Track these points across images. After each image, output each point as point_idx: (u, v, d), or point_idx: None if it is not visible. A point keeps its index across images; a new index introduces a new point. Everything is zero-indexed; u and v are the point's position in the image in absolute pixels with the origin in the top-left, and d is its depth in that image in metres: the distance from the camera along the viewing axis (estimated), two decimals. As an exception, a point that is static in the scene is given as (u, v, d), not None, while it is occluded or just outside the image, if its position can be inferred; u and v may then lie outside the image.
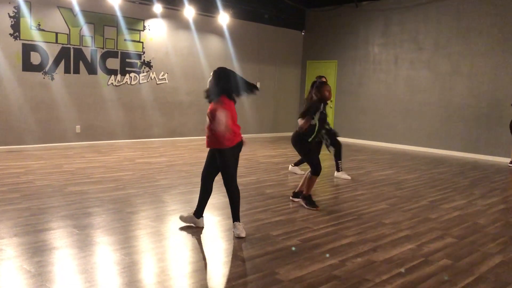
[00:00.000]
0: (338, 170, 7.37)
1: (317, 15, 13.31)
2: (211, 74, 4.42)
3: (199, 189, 5.76)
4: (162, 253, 3.82)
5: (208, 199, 4.51)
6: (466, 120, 10.54)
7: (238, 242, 4.06)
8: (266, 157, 9.11)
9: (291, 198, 5.70)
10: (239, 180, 6.71)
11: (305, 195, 5.41)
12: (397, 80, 11.73)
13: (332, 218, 4.96)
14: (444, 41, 10.82)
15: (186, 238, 4.18)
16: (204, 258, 3.75)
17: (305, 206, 5.35)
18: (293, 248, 3.95)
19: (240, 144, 4.39)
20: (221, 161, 4.26)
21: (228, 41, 11.78)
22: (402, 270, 3.58)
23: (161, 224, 4.60)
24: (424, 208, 5.57)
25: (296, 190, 5.67)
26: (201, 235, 4.31)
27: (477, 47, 10.31)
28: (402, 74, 11.65)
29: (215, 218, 4.82)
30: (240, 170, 7.53)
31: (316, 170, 5.31)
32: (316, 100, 5.45)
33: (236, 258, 3.69)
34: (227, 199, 5.54)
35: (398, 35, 11.62)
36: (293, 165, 7.57)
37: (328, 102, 5.58)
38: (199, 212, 4.47)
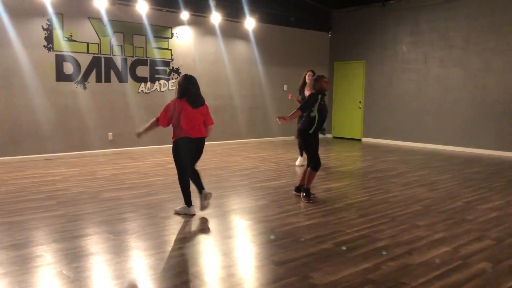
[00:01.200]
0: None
1: (343, 15, 13.21)
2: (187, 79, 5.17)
3: (229, 193, 5.79)
4: (196, 258, 3.86)
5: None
6: (500, 117, 10.24)
7: (270, 246, 4.06)
8: (295, 160, 9.07)
9: (293, 192, 6.06)
10: (269, 184, 6.74)
11: (305, 188, 5.70)
12: (427, 78, 11.51)
13: (365, 221, 4.90)
14: (476, 38, 10.56)
15: (219, 243, 4.20)
16: (237, 263, 3.76)
17: (302, 199, 5.70)
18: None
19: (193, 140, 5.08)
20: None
21: (253, 46, 11.83)
22: (437, 260, 3.54)
23: (194, 228, 4.64)
24: (459, 209, 5.44)
25: (297, 185, 6.02)
26: (234, 240, 4.32)
27: (511, 42, 10.02)
28: (432, 73, 11.43)
29: (246, 222, 4.83)
30: (269, 173, 7.57)
31: (316, 165, 5.64)
32: (314, 92, 5.69)
33: (269, 262, 3.68)
34: (257, 203, 5.58)
35: (427, 33, 11.42)
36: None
37: (326, 93, 5.83)
38: (189, 201, 5.08)
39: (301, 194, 5.79)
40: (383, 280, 3.35)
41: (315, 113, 5.58)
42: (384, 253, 3.90)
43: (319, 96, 5.63)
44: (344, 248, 4.02)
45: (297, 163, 8.47)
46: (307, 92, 7.71)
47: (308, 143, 5.71)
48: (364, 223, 4.80)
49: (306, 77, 8.21)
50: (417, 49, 11.66)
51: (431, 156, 9.91)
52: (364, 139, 12.94)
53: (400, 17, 11.92)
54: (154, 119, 5.18)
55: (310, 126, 5.62)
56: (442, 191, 6.45)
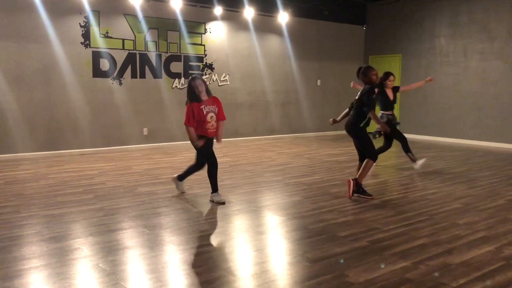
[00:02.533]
0: (413, 161, 7.47)
1: (378, 8, 12.93)
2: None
3: (263, 188, 5.77)
4: (229, 253, 3.85)
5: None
6: (545, 112, 9.80)
7: (304, 243, 4.00)
8: (329, 156, 8.97)
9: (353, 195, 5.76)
10: (302, 180, 6.67)
11: (358, 183, 5.52)
12: (467, 72, 11.13)
13: (402, 218, 4.77)
14: (519, 29, 10.12)
15: (252, 238, 4.18)
16: (270, 259, 3.73)
17: (360, 195, 5.56)
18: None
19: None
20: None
21: (287, 40, 11.73)
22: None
23: (227, 224, 4.64)
24: (502, 208, 5.22)
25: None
26: (267, 236, 4.29)
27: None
28: (472, 66, 11.04)
29: (279, 218, 4.79)
30: (303, 169, 7.50)
31: (374, 155, 5.50)
32: (367, 87, 5.49)
33: (303, 259, 3.63)
34: (291, 199, 5.54)
35: (466, 25, 11.03)
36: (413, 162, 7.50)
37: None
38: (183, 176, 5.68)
39: (354, 187, 5.51)
40: (422, 280, 3.24)
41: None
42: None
43: (373, 90, 5.49)
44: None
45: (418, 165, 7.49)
46: (389, 92, 7.43)
47: (363, 137, 5.54)
48: (401, 221, 4.67)
49: (388, 82, 7.45)
50: (456, 41, 11.29)
51: (470, 152, 9.59)
52: (400, 135, 12.65)
53: (438, 9, 11.56)
54: None
55: (361, 120, 5.49)
56: (482, 188, 6.22)
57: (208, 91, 5.31)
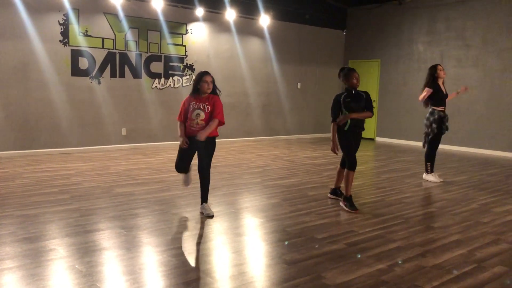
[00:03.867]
0: (426, 172, 7.06)
1: (358, 13, 13.10)
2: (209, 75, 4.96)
3: (241, 190, 5.78)
4: (207, 255, 3.85)
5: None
6: (518, 119, 10.07)
7: (282, 245, 4.03)
8: (308, 159, 9.03)
9: (329, 195, 5.80)
10: (281, 182, 6.72)
11: (346, 196, 5.29)
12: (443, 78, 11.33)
13: (378, 221, 4.85)
14: (494, 37, 10.39)
15: (230, 240, 4.19)
16: (248, 261, 3.74)
17: (345, 208, 5.24)
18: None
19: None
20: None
21: (268, 43, 11.79)
22: (455, 272, 3.45)
23: (206, 225, 4.64)
24: (474, 212, 5.35)
25: (333, 186, 5.77)
26: (245, 238, 4.31)
27: (529, 42, 9.85)
28: (449, 73, 11.23)
29: (258, 220, 4.81)
30: (282, 171, 7.53)
31: (351, 164, 5.26)
32: (338, 93, 5.44)
33: (281, 261, 3.66)
34: (270, 201, 5.56)
35: (443, 32, 11.26)
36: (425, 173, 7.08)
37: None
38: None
39: (343, 203, 5.30)
40: (397, 282, 3.30)
41: (344, 112, 5.28)
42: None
43: (341, 96, 5.30)
44: (359, 256, 3.97)
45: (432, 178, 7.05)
46: (442, 87, 6.85)
47: (344, 141, 5.28)
48: (377, 224, 4.75)
49: (439, 71, 6.84)
50: (433, 48, 11.52)
51: (445, 157, 9.79)
52: (378, 139, 12.83)
53: (417, 15, 11.78)
54: None
55: (345, 123, 5.26)
56: (457, 192, 6.36)
57: (213, 91, 4.89)
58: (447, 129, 6.96)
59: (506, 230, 4.67)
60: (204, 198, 4.94)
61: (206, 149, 4.81)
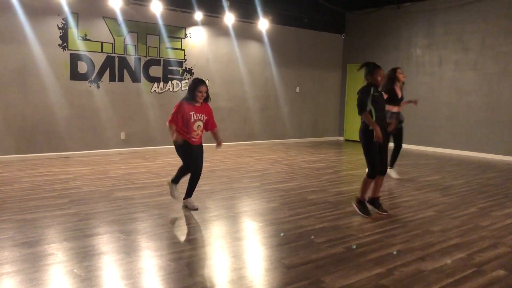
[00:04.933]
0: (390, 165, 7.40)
1: (357, 17, 13.13)
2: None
3: (240, 194, 5.77)
4: (206, 259, 3.84)
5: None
6: (516, 122, 10.09)
7: (281, 249, 4.03)
8: (307, 162, 9.04)
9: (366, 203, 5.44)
10: (280, 186, 6.71)
11: (359, 199, 5.21)
12: (442, 82, 11.39)
13: (377, 225, 4.85)
14: (492, 41, 10.42)
15: (229, 244, 4.18)
16: (247, 265, 3.74)
17: (358, 211, 5.18)
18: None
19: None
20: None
21: (267, 47, 11.81)
22: (448, 261, 3.47)
23: (204, 229, 4.63)
24: (474, 215, 5.36)
25: (370, 196, 5.35)
26: (244, 242, 4.30)
27: (527, 46, 9.88)
28: (447, 76, 11.30)
29: (257, 224, 4.81)
30: (281, 175, 7.54)
31: (371, 172, 5.04)
32: (365, 85, 5.10)
33: (280, 265, 3.65)
34: (269, 205, 5.56)
35: (442, 36, 11.30)
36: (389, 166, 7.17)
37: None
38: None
39: (357, 205, 5.20)
40: (396, 286, 3.30)
41: (370, 107, 5.01)
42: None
43: (371, 89, 5.03)
44: (354, 246, 3.97)
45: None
46: (398, 90, 7.04)
47: (367, 143, 5.03)
48: (376, 228, 4.74)
49: (398, 74, 7.17)
50: (431, 52, 11.55)
51: (444, 161, 9.80)
52: (377, 142, 12.84)
53: (415, 19, 11.81)
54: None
55: (366, 124, 5.00)
56: (456, 196, 6.36)
57: (205, 99, 5.12)
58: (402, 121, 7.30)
59: (505, 233, 4.67)
60: (190, 194, 5.30)
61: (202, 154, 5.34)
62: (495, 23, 10.34)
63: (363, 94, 5.06)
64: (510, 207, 5.79)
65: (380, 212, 5.26)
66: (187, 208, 5.27)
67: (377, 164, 5.08)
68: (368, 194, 5.29)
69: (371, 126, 4.95)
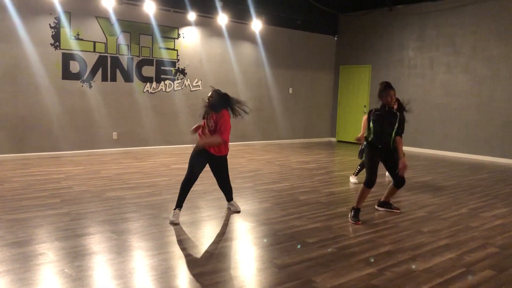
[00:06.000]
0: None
1: (350, 19, 13.19)
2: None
3: (233, 195, 5.75)
4: (197, 259, 3.84)
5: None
6: (505, 124, 10.19)
7: (273, 249, 4.04)
8: (299, 163, 9.06)
9: (376, 207, 5.61)
10: (272, 186, 6.73)
11: (354, 207, 5.12)
12: (433, 84, 11.47)
13: (369, 226, 4.88)
14: (483, 44, 10.52)
15: (221, 245, 4.19)
16: (239, 265, 3.75)
17: (349, 219, 5.06)
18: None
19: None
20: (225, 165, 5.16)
21: (260, 48, 11.83)
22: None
23: (197, 230, 4.63)
24: (464, 216, 5.40)
25: (382, 199, 5.61)
26: (236, 242, 4.31)
27: (518, 49, 9.98)
28: (439, 78, 11.39)
29: (249, 225, 4.82)
30: (273, 176, 7.55)
31: (367, 181, 5.04)
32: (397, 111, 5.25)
33: (272, 265, 3.67)
34: (261, 205, 5.57)
35: (434, 39, 11.38)
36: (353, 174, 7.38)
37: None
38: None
39: (349, 213, 5.16)
40: (387, 286, 3.32)
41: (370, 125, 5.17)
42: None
43: (376, 108, 5.19)
44: (299, 246, 3.99)
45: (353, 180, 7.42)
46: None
47: (368, 154, 5.17)
48: (368, 228, 4.77)
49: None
50: (423, 54, 11.63)
51: (435, 162, 9.87)
52: (369, 144, 12.90)
53: (407, 22, 11.89)
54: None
55: (369, 135, 5.19)
56: (446, 197, 6.41)
57: (212, 106, 4.95)
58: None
59: (495, 234, 4.71)
60: (230, 198, 5.31)
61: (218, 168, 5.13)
62: (486, 26, 10.44)
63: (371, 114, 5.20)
64: (500, 208, 5.85)
65: (394, 210, 5.52)
66: (170, 221, 4.77)
67: (372, 175, 5.08)
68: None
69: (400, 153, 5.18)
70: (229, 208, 5.35)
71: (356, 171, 7.35)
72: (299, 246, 4.09)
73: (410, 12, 11.81)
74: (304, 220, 5.01)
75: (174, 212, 4.79)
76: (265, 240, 4.21)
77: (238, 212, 5.26)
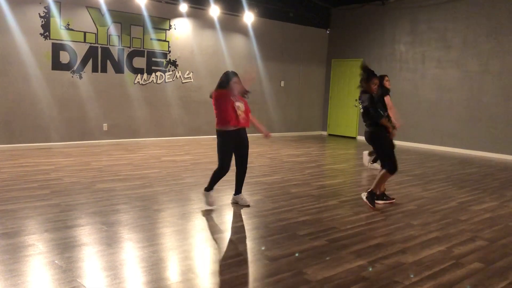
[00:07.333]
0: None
1: (342, 13, 13.18)
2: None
3: (224, 187, 5.77)
4: (188, 251, 3.84)
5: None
6: (495, 119, 10.28)
7: (264, 242, 4.04)
8: (290, 156, 9.07)
9: (376, 201, 5.50)
10: (263, 179, 6.73)
11: (371, 191, 5.30)
12: (424, 78, 11.52)
13: (359, 218, 4.90)
14: (473, 39, 10.57)
15: (212, 237, 4.19)
16: (230, 257, 3.75)
17: (365, 200, 5.30)
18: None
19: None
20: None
21: (252, 40, 11.78)
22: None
23: (187, 222, 4.63)
24: (453, 210, 5.45)
25: (376, 191, 5.46)
26: (227, 234, 4.31)
27: (508, 45, 10.04)
28: (430, 73, 11.44)
29: (240, 217, 4.81)
30: (264, 169, 7.55)
31: (393, 168, 5.28)
32: (366, 97, 5.25)
33: (263, 257, 3.67)
34: (252, 198, 5.57)
35: (425, 33, 11.42)
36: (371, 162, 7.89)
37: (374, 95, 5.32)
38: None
39: (366, 195, 5.32)
40: (377, 278, 3.35)
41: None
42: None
43: (371, 95, 5.26)
44: (263, 248, 4.00)
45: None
46: (388, 98, 7.19)
47: (379, 144, 5.45)
48: (358, 221, 4.80)
49: (385, 82, 7.41)
50: (415, 48, 11.66)
51: (425, 156, 9.94)
52: (359, 137, 12.94)
53: (399, 16, 11.91)
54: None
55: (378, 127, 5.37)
56: (436, 191, 6.47)
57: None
58: None
59: (483, 227, 4.76)
60: (239, 189, 5.28)
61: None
62: (477, 22, 10.49)
63: (372, 103, 5.23)
64: (488, 202, 5.91)
65: (389, 201, 5.61)
66: (237, 204, 5.23)
67: (395, 159, 5.37)
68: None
69: (389, 128, 5.43)
70: (236, 203, 5.25)
71: (372, 158, 7.81)
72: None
73: (402, 7, 11.83)
74: (295, 212, 5.02)
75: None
76: (263, 248, 4.12)
77: (248, 206, 5.18)
